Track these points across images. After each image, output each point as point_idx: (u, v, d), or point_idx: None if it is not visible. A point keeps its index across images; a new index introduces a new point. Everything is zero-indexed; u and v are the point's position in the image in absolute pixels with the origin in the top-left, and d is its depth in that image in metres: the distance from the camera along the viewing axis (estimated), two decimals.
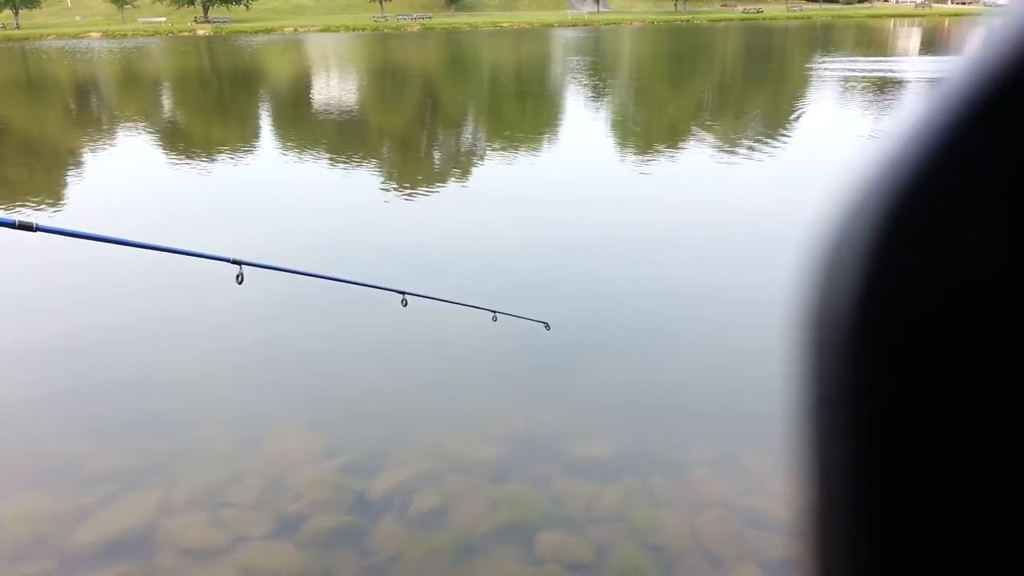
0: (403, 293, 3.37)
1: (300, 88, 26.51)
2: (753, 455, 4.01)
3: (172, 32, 67.05)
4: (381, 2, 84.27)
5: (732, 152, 12.36)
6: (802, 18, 76.62)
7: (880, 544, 0.19)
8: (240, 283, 2.51)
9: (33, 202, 10.03)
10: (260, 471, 3.98)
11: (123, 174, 12.15)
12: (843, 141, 12.78)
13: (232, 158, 13.39)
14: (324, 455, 4.13)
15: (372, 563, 3.35)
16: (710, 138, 13.79)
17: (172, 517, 3.65)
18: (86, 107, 22.95)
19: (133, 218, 8.71)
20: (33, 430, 4.47)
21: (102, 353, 5.42)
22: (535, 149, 13.58)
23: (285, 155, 13.83)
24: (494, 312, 4.07)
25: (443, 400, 4.76)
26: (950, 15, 72.30)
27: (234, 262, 2.52)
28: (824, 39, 46.03)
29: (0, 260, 7.37)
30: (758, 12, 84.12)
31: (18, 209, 9.44)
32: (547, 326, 4.54)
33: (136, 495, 3.80)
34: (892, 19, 71.52)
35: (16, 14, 75.64)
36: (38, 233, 1.95)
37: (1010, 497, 0.16)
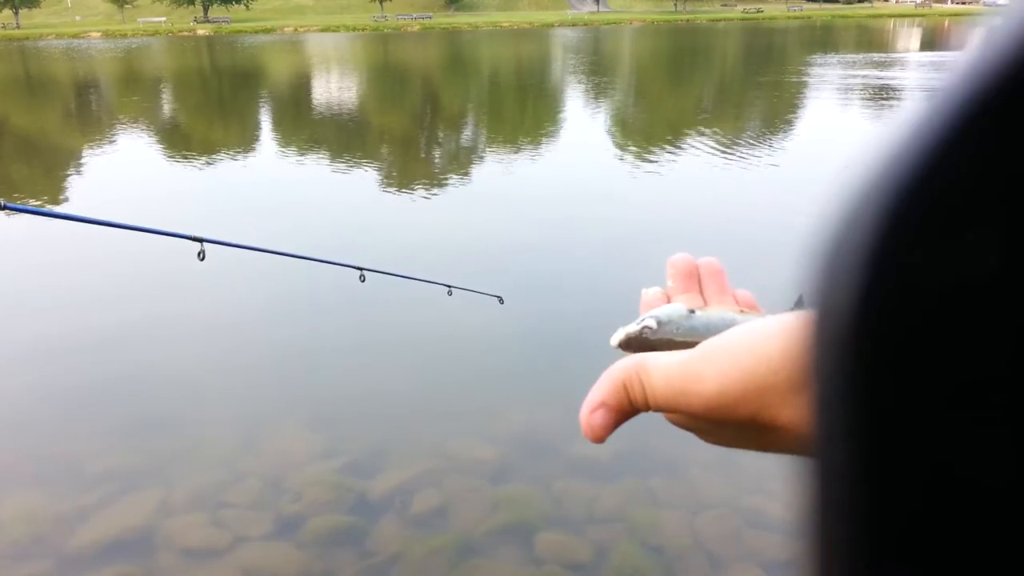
0: (360, 269, 3.45)
1: (300, 87, 26.52)
2: (753, 455, 3.99)
3: (172, 32, 67.06)
4: (381, 2, 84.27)
5: (732, 152, 12.35)
6: (802, 18, 76.66)
7: (880, 545, 0.19)
8: (202, 260, 2.49)
9: (32, 198, 10.03)
10: (260, 471, 3.98)
11: (121, 172, 12.13)
12: (843, 141, 12.77)
13: (230, 156, 13.39)
14: (324, 455, 4.13)
15: (372, 563, 3.36)
16: (709, 138, 13.79)
17: (172, 517, 3.65)
18: (85, 105, 22.95)
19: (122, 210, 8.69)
20: (33, 430, 4.47)
21: (102, 353, 5.42)
22: (534, 147, 13.58)
23: (284, 153, 13.84)
24: (449, 287, 4.09)
25: (443, 400, 4.76)
26: (950, 15, 72.31)
27: (195, 239, 2.51)
28: (824, 39, 46.03)
29: (0, 260, 7.40)
30: (758, 12, 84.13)
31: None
32: (500, 300, 4.54)
33: (136, 495, 3.80)
34: (892, 19, 71.56)
35: (16, 14, 75.71)
36: (14, 215, 1.97)
37: (1011, 498, 0.16)
